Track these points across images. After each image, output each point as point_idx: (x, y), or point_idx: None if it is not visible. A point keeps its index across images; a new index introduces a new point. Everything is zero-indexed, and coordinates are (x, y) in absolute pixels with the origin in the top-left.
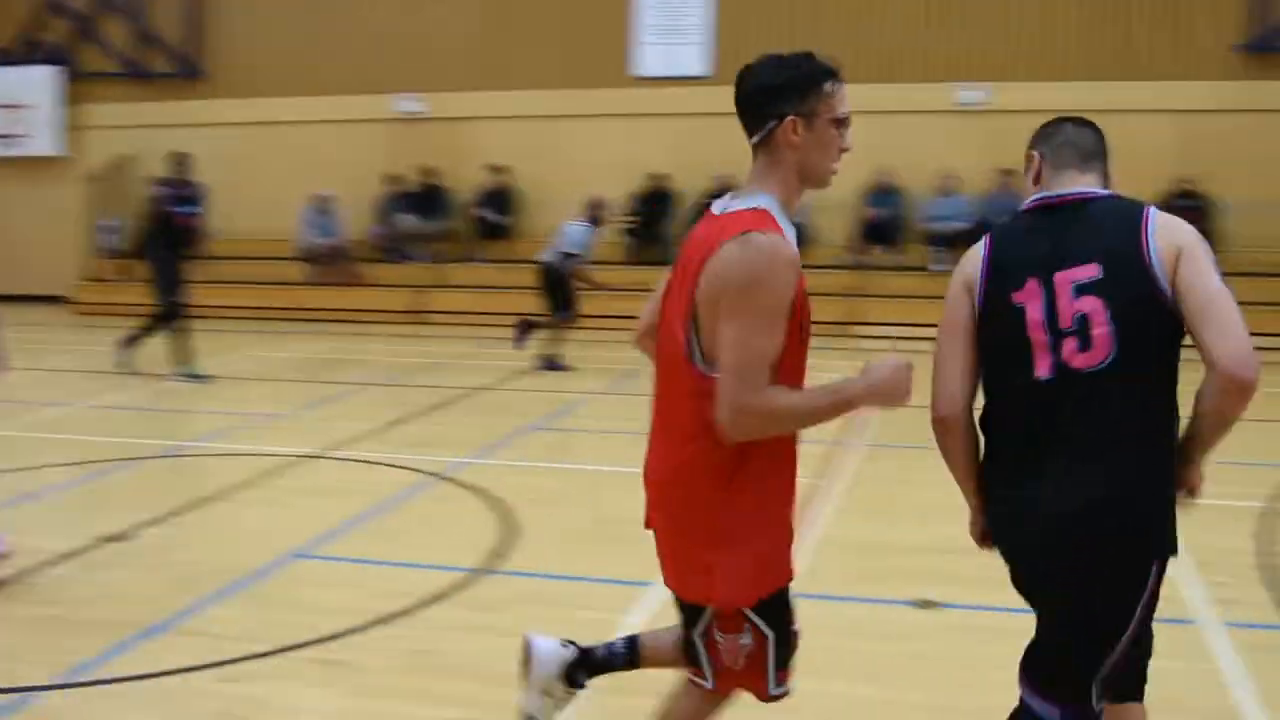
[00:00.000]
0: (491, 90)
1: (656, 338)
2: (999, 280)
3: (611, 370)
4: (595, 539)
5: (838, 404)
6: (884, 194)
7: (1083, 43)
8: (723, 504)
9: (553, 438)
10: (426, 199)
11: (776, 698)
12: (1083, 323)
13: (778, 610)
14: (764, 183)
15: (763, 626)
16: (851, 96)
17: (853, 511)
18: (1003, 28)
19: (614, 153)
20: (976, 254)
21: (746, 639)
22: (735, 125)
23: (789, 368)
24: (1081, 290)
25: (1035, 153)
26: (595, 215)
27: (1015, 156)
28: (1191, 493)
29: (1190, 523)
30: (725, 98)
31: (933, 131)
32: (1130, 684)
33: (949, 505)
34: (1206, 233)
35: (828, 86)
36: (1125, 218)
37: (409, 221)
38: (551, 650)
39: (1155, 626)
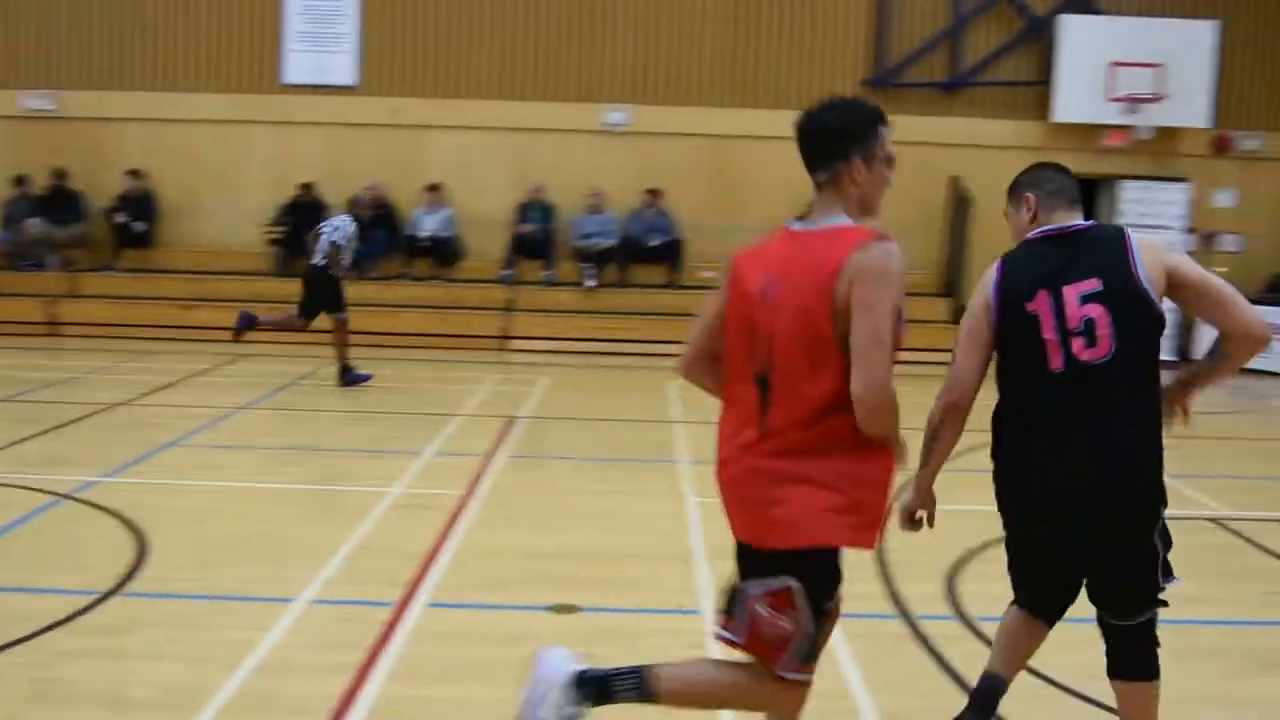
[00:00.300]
0: (131, 90)
1: (727, 357)
2: (1011, 293)
3: (257, 385)
4: (233, 556)
5: (899, 443)
6: (536, 210)
7: (720, 71)
8: (856, 465)
9: (192, 454)
10: (57, 203)
11: (785, 680)
12: (1089, 325)
13: (828, 591)
14: (834, 211)
15: (807, 619)
16: (503, 114)
17: (493, 521)
18: (645, 53)
19: (263, 160)
20: (990, 276)
21: (786, 623)
22: (384, 135)
23: None
24: (1086, 299)
25: (1030, 195)
26: (358, 214)
27: (656, 176)
28: (1184, 413)
29: None
30: (373, 108)
31: (581, 150)
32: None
33: (587, 513)
34: None
35: (882, 130)
36: (1114, 241)
37: (37, 226)
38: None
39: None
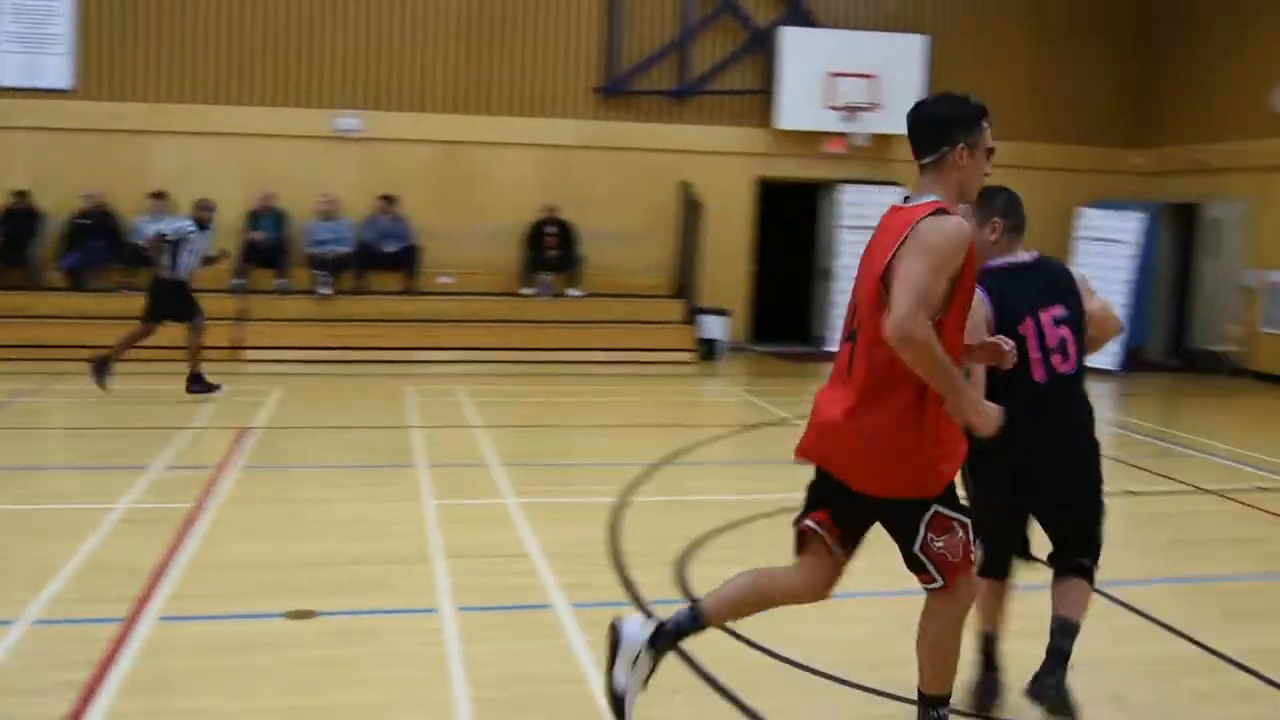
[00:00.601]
0: None
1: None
2: (1006, 316)
3: None
4: None
5: (955, 388)
6: (267, 217)
7: (454, 78)
8: (919, 423)
9: None
10: None
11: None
12: (1063, 343)
13: (957, 500)
14: (930, 192)
15: (960, 517)
16: (231, 119)
17: (226, 533)
18: (377, 59)
19: None
20: (981, 299)
21: (959, 533)
22: (104, 141)
23: (952, 335)
24: (1058, 322)
25: (1000, 220)
26: (201, 217)
27: (391, 182)
28: None
29: (548, 520)
30: (92, 112)
31: (313, 156)
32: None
33: (324, 520)
34: (572, 257)
35: (985, 123)
36: (1065, 275)
37: None
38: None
39: (516, 615)
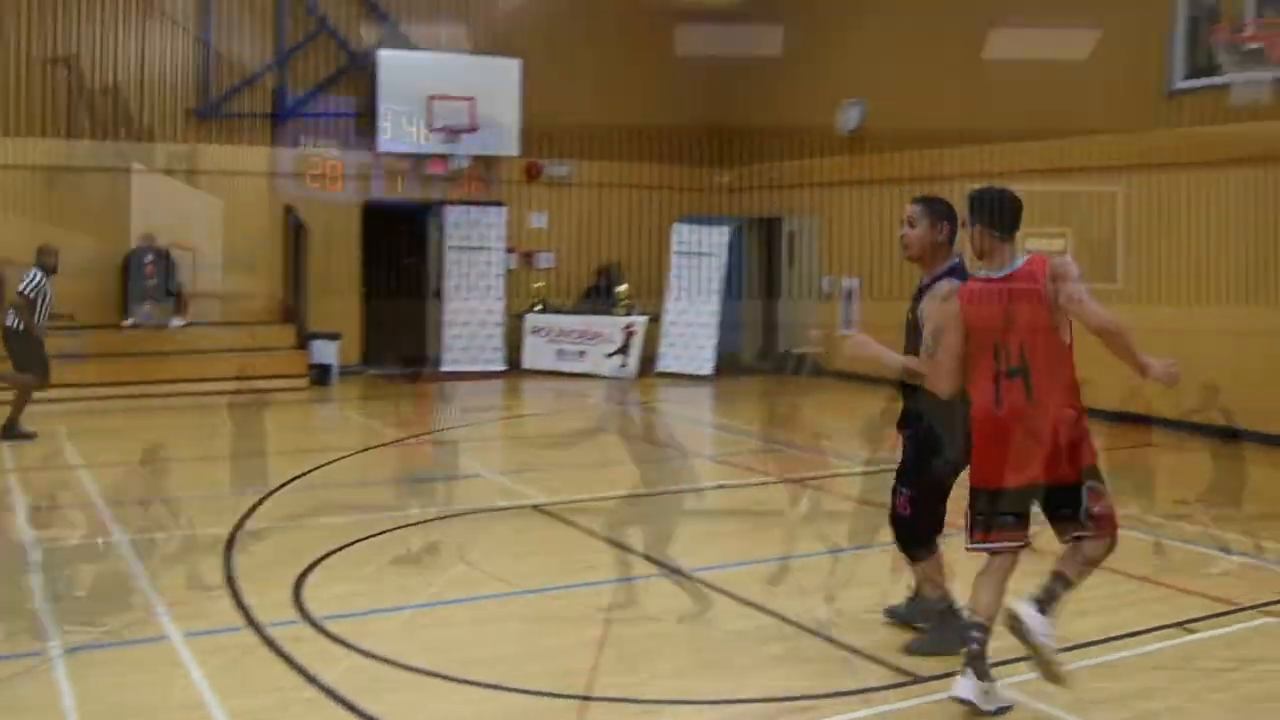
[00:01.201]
0: None
1: (975, 365)
2: None
3: None
4: None
5: (1136, 358)
6: None
7: (45, 102)
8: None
9: None
10: None
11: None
12: None
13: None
14: (1016, 253)
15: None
16: None
17: None
18: None
19: None
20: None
21: (1110, 500)
22: None
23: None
24: None
25: (946, 225)
26: (45, 262)
27: None
28: None
29: (160, 556)
30: None
31: None
32: None
33: None
34: (173, 286)
35: None
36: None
37: None
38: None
39: (129, 650)
